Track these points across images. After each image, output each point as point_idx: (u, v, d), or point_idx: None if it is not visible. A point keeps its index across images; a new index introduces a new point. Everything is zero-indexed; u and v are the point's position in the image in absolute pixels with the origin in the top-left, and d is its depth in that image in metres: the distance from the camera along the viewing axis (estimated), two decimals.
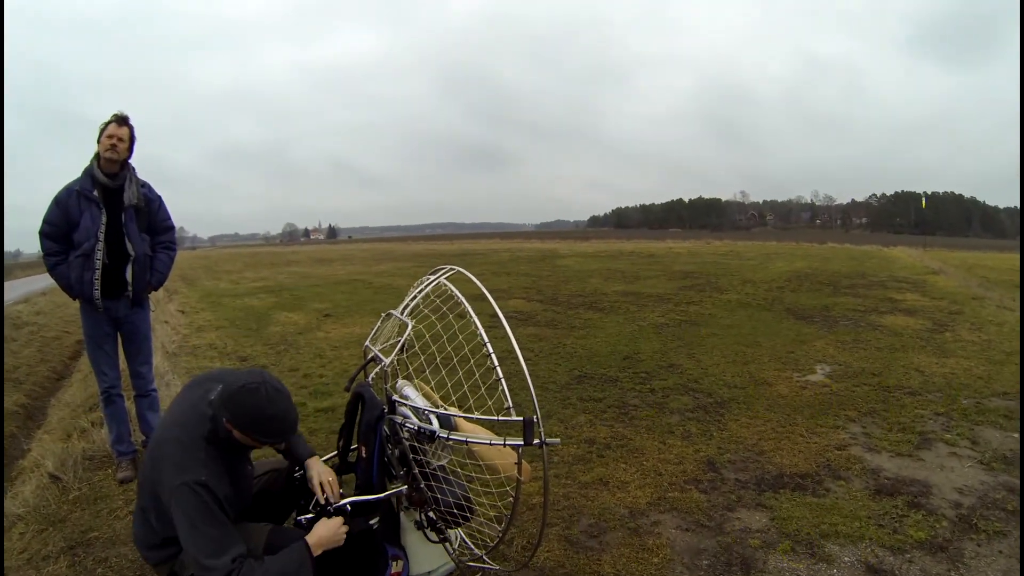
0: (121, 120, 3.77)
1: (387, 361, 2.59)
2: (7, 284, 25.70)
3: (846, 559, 2.92)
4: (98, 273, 3.76)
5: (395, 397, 2.50)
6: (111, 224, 3.78)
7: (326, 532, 2.28)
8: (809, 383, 5.86)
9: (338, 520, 2.33)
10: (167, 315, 11.67)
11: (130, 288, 3.89)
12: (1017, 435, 4.42)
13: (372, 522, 2.53)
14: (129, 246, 3.83)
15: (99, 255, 3.74)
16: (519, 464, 2.14)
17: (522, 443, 2.04)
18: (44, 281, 26.25)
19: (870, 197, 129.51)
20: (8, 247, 76.44)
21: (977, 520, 3.25)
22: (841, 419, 4.82)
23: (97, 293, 3.79)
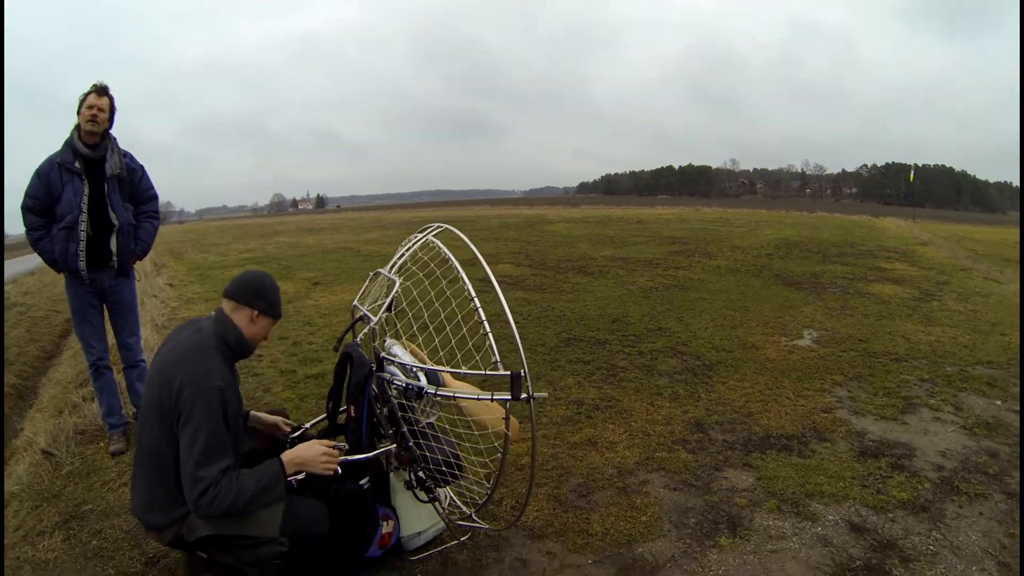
0: (101, 90, 3.71)
1: (375, 320, 2.59)
2: None
3: (830, 518, 2.99)
4: (82, 244, 3.72)
5: (383, 355, 2.51)
6: (94, 195, 3.74)
7: (305, 452, 2.32)
8: (797, 347, 5.93)
9: (321, 445, 2.38)
10: (156, 288, 11.58)
11: (115, 258, 3.85)
12: (999, 402, 4.51)
13: (362, 482, 2.56)
14: (113, 216, 3.79)
15: (83, 226, 3.70)
16: (507, 419, 2.16)
17: (510, 398, 2.05)
18: (31, 261, 26.07)
19: (860, 168, 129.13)
20: None
21: (959, 483, 3.32)
22: (827, 383, 4.88)
23: (82, 264, 3.75)
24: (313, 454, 2.32)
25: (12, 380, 7.21)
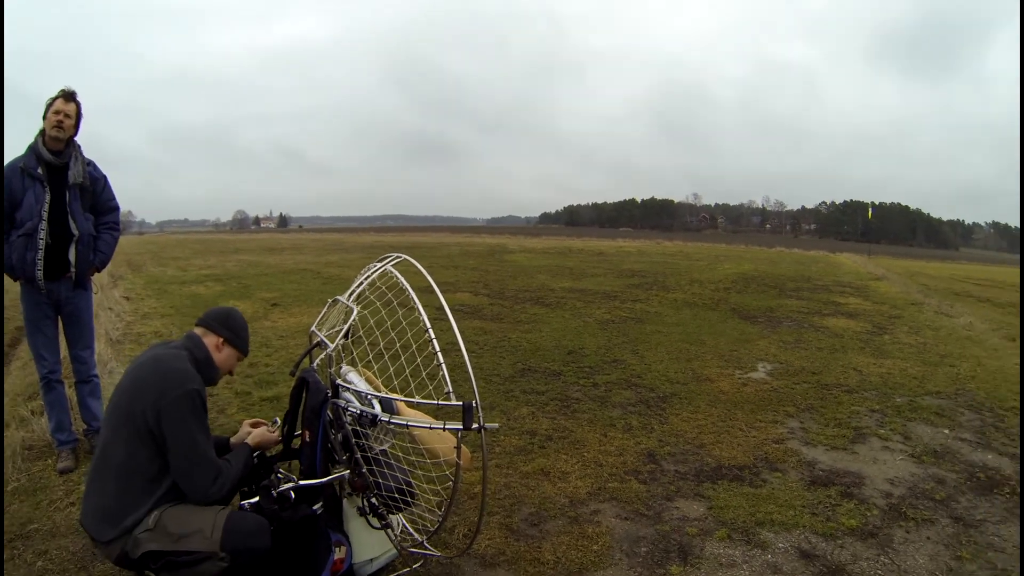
0: (68, 96, 3.66)
1: (332, 346, 2.61)
2: None
3: (780, 545, 3.06)
4: (41, 253, 3.63)
5: (339, 381, 2.52)
6: (55, 203, 3.66)
7: (261, 437, 2.68)
8: (751, 380, 6.06)
9: (258, 425, 2.75)
10: (111, 301, 11.32)
11: (73, 269, 3.77)
12: (946, 431, 4.69)
13: (316, 507, 2.56)
14: (72, 225, 3.71)
15: (42, 234, 3.62)
16: (458, 448, 2.19)
17: (461, 427, 2.09)
18: None
19: (820, 204, 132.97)
20: None
21: (906, 509, 3.44)
22: (780, 414, 5.01)
23: (40, 274, 3.66)
24: (262, 435, 2.69)
25: None
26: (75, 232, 3.73)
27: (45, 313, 3.86)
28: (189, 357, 2.40)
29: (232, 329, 2.58)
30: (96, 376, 4.20)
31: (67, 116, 3.63)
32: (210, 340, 2.52)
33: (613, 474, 3.88)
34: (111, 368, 6.07)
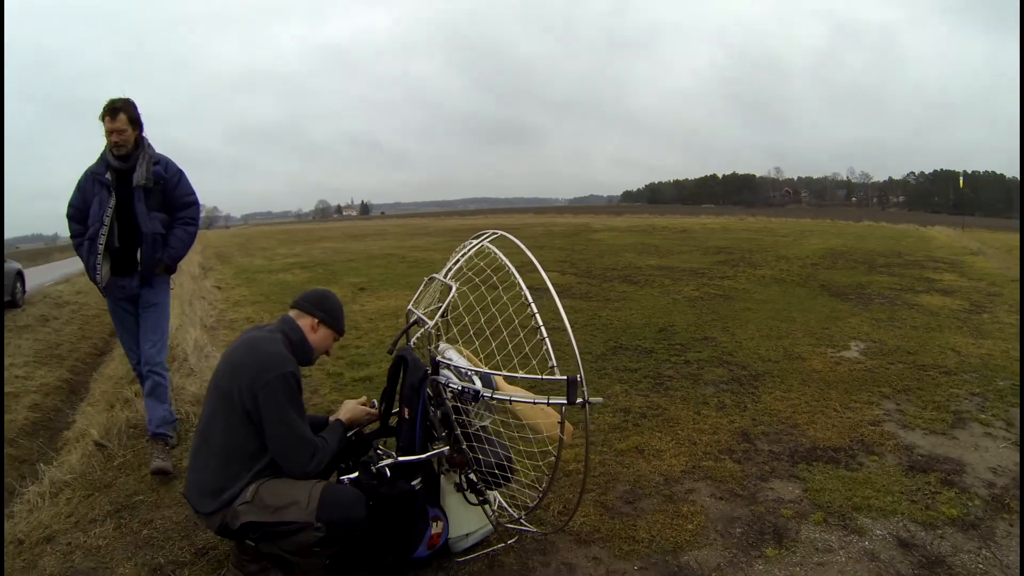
0: (112, 112, 3.73)
1: (431, 324, 2.64)
2: (48, 266, 26.36)
3: (878, 532, 2.92)
4: (100, 257, 3.78)
5: (438, 358, 2.54)
6: (122, 205, 3.81)
7: (352, 412, 2.75)
8: (843, 359, 5.83)
9: (356, 402, 2.80)
10: (204, 291, 11.88)
11: (139, 267, 3.90)
12: None
13: (414, 483, 2.61)
14: (140, 226, 3.84)
15: (102, 239, 3.77)
16: (562, 423, 2.18)
17: (565, 402, 2.07)
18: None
19: (908, 175, 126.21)
20: (47, 231, 77.42)
21: (1010, 500, 3.21)
22: (875, 395, 4.79)
23: (99, 277, 3.82)
24: (358, 412, 2.76)
25: (64, 375, 7.49)
26: (142, 231, 3.84)
27: (124, 308, 4.04)
28: (284, 340, 2.48)
29: (326, 310, 2.65)
30: (160, 373, 4.08)
31: (119, 132, 3.73)
32: (304, 322, 2.61)
33: (707, 452, 3.81)
34: (207, 352, 6.36)
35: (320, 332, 2.64)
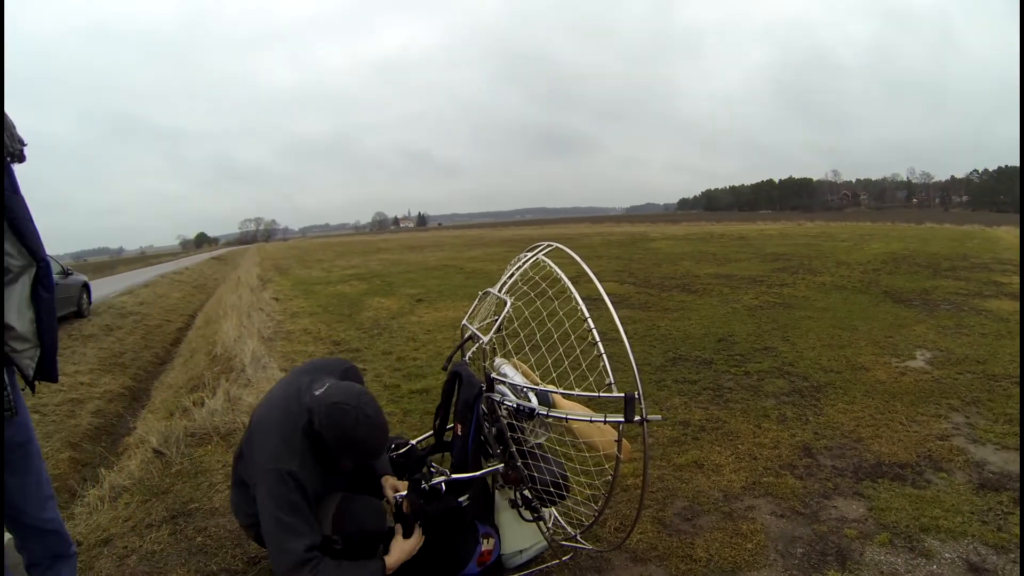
0: None
1: (485, 339, 2.62)
2: (113, 278, 27.41)
3: (947, 555, 2.76)
4: None
5: (493, 375, 2.52)
6: None
7: (401, 554, 2.32)
8: (909, 369, 5.59)
9: (411, 541, 2.36)
10: (262, 302, 12.17)
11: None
12: None
13: (461, 499, 2.59)
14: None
15: None
16: (619, 441, 2.13)
17: (623, 420, 2.02)
18: (146, 274, 27.91)
19: (971, 173, 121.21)
20: (111, 244, 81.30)
21: None
22: (943, 408, 4.56)
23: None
24: (409, 549, 2.35)
25: (127, 383, 7.76)
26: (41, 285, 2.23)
27: None
28: (307, 425, 2.24)
29: (325, 429, 2.21)
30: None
31: None
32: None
33: (768, 468, 3.69)
34: (264, 363, 6.49)
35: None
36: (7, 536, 2.10)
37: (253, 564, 2.87)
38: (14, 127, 1.74)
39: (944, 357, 5.97)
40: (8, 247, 1.71)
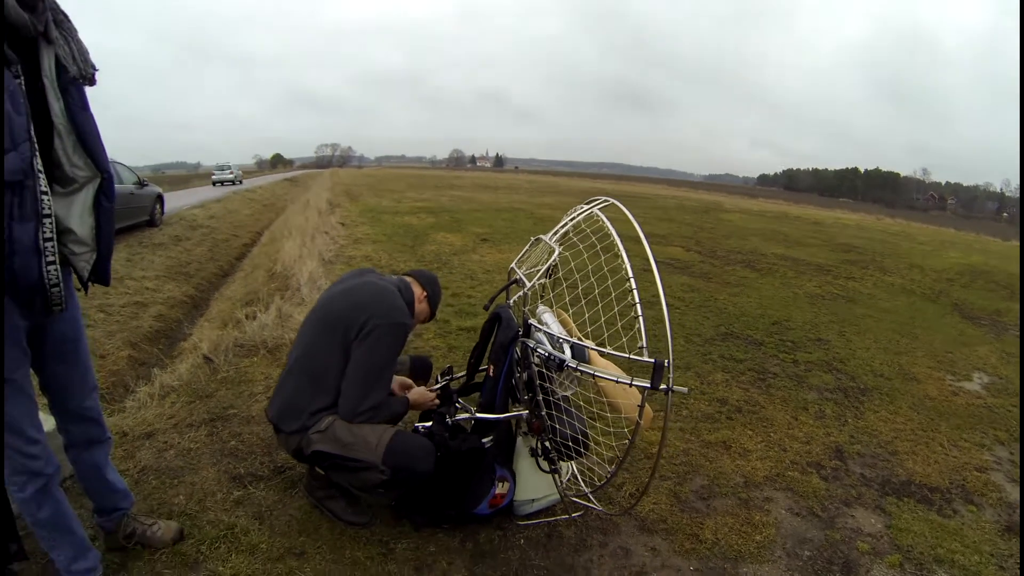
0: None
1: (529, 285, 2.65)
2: (188, 191, 28.40)
3: None
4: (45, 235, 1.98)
5: (532, 321, 2.54)
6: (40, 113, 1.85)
7: (421, 397, 2.78)
8: (962, 390, 5.36)
9: (428, 392, 2.83)
10: (327, 226, 12.43)
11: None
12: None
13: (484, 440, 2.66)
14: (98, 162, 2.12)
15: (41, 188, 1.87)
16: (641, 406, 2.14)
17: (649, 385, 2.03)
18: (221, 191, 28.74)
19: None
20: (190, 159, 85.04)
21: None
22: (989, 438, 4.34)
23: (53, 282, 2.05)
24: (425, 399, 2.79)
25: (189, 291, 8.11)
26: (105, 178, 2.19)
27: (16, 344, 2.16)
28: (401, 297, 2.58)
29: (435, 290, 2.83)
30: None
31: None
32: (417, 291, 2.74)
33: (795, 462, 3.63)
34: (320, 285, 6.69)
35: (423, 306, 2.77)
36: (49, 419, 2.26)
37: (278, 473, 3.01)
38: (87, 52, 1.85)
39: (1002, 385, 5.69)
40: (76, 159, 1.84)
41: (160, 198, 13.19)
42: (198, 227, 13.37)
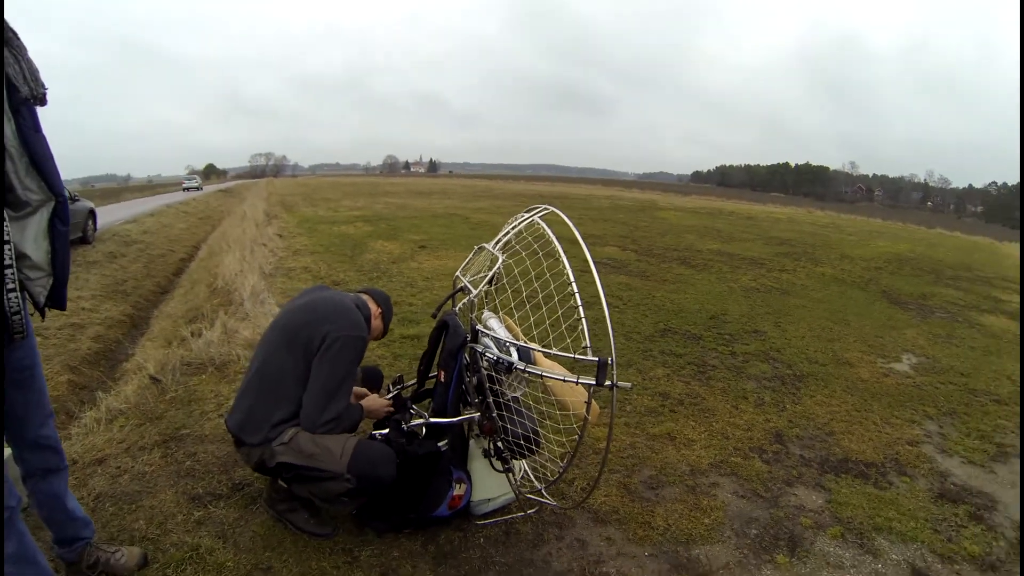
0: None
1: (475, 292, 2.71)
2: (119, 204, 27.44)
3: (894, 556, 2.85)
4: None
5: (479, 327, 2.61)
6: None
7: (374, 404, 2.82)
8: (892, 371, 5.66)
9: (382, 399, 2.87)
10: (265, 238, 12.22)
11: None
12: None
13: (440, 444, 2.72)
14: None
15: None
16: (588, 403, 2.22)
17: (594, 383, 2.12)
18: (153, 203, 27.86)
19: (989, 184, 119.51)
20: (119, 171, 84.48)
21: None
22: (919, 414, 4.62)
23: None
24: (378, 406, 2.82)
25: (127, 310, 7.85)
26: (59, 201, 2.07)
27: None
28: (359, 312, 2.64)
29: (388, 308, 2.93)
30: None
31: None
32: (373, 308, 2.82)
33: (738, 448, 3.79)
34: (263, 298, 6.58)
35: (378, 322, 2.85)
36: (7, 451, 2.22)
37: (237, 490, 2.99)
38: (37, 72, 1.83)
39: (929, 365, 6.03)
40: (29, 182, 1.81)
41: (92, 213, 12.71)
42: (132, 243, 12.97)
